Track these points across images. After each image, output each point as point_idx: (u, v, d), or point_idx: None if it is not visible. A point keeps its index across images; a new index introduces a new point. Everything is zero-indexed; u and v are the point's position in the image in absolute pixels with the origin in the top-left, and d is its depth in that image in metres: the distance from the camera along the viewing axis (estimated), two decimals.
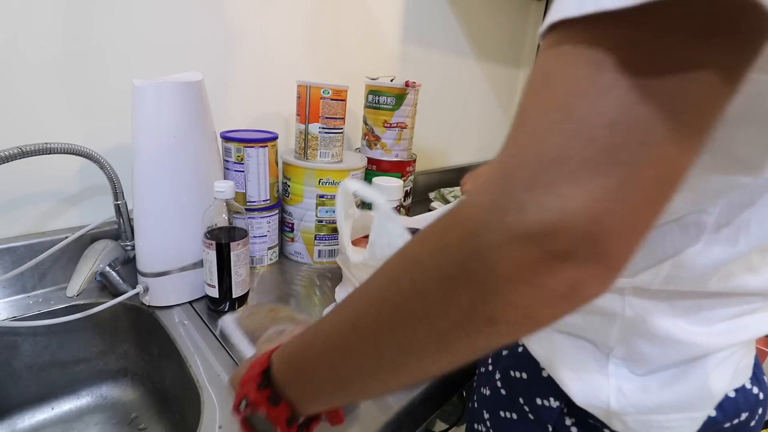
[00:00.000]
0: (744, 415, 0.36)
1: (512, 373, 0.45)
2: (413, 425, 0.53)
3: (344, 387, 0.29)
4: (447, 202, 1.10)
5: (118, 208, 0.65)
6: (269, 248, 0.78)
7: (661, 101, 0.17)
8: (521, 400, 0.43)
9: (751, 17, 0.16)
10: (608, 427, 0.37)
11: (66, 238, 0.64)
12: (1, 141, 0.59)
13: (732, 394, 0.36)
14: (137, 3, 0.66)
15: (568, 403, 0.39)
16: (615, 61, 0.17)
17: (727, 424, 0.36)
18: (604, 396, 0.35)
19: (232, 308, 0.64)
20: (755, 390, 0.37)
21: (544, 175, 0.18)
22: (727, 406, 0.35)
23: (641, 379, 0.35)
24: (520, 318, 0.20)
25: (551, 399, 0.40)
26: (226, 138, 0.70)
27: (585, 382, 0.36)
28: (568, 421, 0.40)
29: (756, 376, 0.37)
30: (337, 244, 0.81)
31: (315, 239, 0.80)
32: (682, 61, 0.17)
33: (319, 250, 0.81)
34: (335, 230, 0.80)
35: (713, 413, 0.35)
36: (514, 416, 0.45)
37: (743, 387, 0.36)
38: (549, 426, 0.41)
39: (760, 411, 0.38)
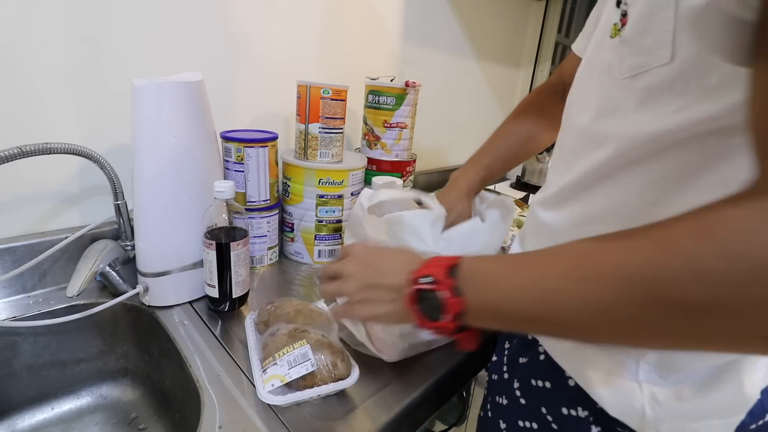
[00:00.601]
0: None
1: (534, 381, 0.44)
2: (413, 425, 0.53)
3: (530, 324, 0.30)
4: None
5: (118, 208, 0.65)
6: (269, 248, 0.78)
7: None
8: (544, 410, 0.42)
9: None
10: None
11: (66, 238, 0.64)
12: (1, 141, 0.59)
13: (758, 396, 0.35)
14: (137, 3, 0.66)
15: (596, 412, 0.38)
16: None
17: (753, 426, 0.35)
18: (638, 404, 0.34)
19: (232, 308, 0.64)
20: None
21: None
22: (754, 408, 0.35)
23: (674, 385, 0.34)
24: None
25: (579, 408, 0.39)
26: (226, 138, 0.70)
27: (617, 391, 0.35)
28: (594, 430, 0.39)
29: None
30: (337, 245, 0.81)
31: (315, 239, 0.80)
32: None
33: (319, 250, 0.81)
34: (335, 230, 0.80)
35: (743, 417, 0.34)
36: (535, 426, 0.43)
37: (767, 388, 0.35)
38: None
39: None
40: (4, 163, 0.50)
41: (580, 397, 0.38)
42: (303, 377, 0.48)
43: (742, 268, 0.21)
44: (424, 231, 0.55)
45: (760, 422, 0.35)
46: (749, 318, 0.21)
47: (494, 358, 0.51)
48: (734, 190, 0.28)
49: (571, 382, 0.40)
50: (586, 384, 0.37)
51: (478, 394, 0.77)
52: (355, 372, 0.51)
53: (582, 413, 0.39)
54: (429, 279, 0.34)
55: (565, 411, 0.41)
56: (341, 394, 0.51)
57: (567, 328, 0.28)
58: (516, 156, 0.68)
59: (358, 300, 0.39)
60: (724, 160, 0.29)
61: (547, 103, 0.64)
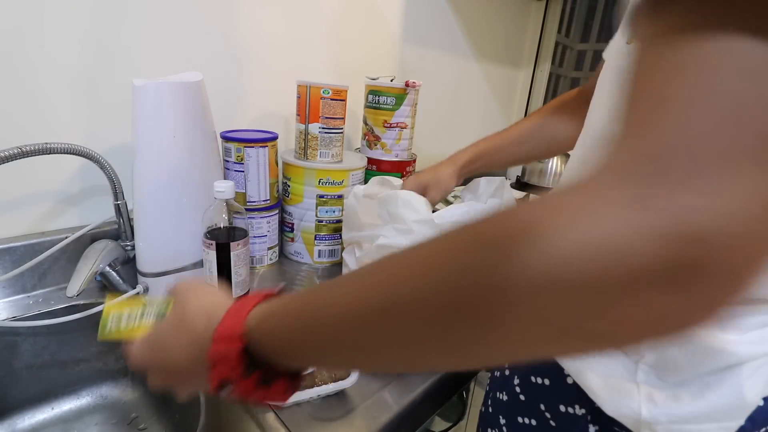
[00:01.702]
0: None
1: (533, 378, 0.44)
2: (413, 425, 0.53)
3: (329, 360, 0.26)
4: (449, 203, 1.10)
5: (118, 208, 0.65)
6: (269, 248, 0.78)
7: None
8: (542, 407, 0.43)
9: None
10: None
11: (66, 238, 0.64)
12: (1, 141, 0.59)
13: (761, 403, 0.34)
14: (137, 3, 0.66)
15: (593, 411, 0.38)
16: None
17: None
18: (635, 405, 0.34)
19: None
20: None
21: (686, 169, 0.15)
22: (756, 415, 0.34)
23: (672, 387, 0.34)
24: (617, 334, 0.17)
25: (576, 406, 0.40)
26: (226, 138, 0.70)
27: (614, 391, 0.35)
28: (591, 429, 0.39)
29: None
30: (337, 245, 0.81)
31: (315, 239, 0.80)
32: None
33: (319, 250, 0.81)
34: (335, 230, 0.80)
35: (743, 422, 0.34)
36: (533, 422, 0.44)
37: None
38: None
39: None
40: (4, 163, 0.50)
41: (578, 395, 0.39)
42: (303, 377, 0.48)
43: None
44: (418, 204, 0.56)
45: (762, 430, 0.35)
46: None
47: None
48: None
49: (569, 380, 0.40)
50: (584, 382, 0.38)
51: (478, 394, 0.77)
52: (355, 372, 0.51)
53: (579, 411, 0.39)
54: (228, 389, 0.29)
55: (563, 408, 0.41)
56: (341, 394, 0.51)
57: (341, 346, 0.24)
58: (522, 143, 0.69)
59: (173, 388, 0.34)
60: None
61: (575, 105, 0.65)
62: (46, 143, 0.54)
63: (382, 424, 0.47)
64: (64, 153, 0.56)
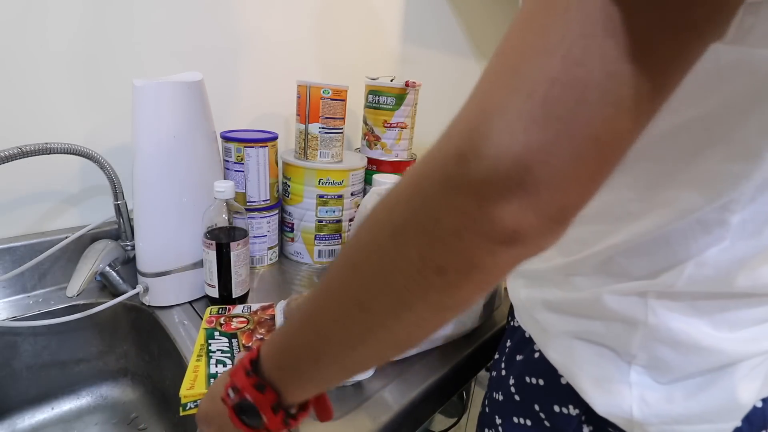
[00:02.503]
0: None
1: (528, 379, 0.44)
2: (413, 425, 0.53)
3: (322, 363, 0.29)
4: None
5: (118, 208, 0.65)
6: (269, 248, 0.78)
7: (602, 63, 0.18)
8: (537, 407, 0.42)
9: None
10: None
11: (66, 238, 0.64)
12: (1, 141, 0.59)
13: (759, 404, 0.34)
14: (137, 3, 0.66)
15: (586, 411, 0.38)
16: (563, 20, 0.18)
17: None
18: (626, 405, 0.34)
19: None
20: None
21: (482, 127, 0.19)
22: (753, 417, 0.34)
23: (665, 387, 0.33)
24: (466, 267, 0.21)
25: (570, 407, 0.39)
26: (226, 138, 0.70)
27: (606, 391, 0.35)
28: (585, 429, 0.39)
29: None
30: (338, 245, 0.81)
31: (315, 239, 0.80)
32: (630, 25, 0.17)
33: (319, 250, 0.81)
34: (335, 230, 0.80)
35: (739, 424, 0.33)
36: (528, 423, 0.43)
37: None
38: None
39: None
40: (4, 163, 0.50)
41: (572, 395, 0.38)
42: None
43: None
44: None
45: None
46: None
47: (496, 356, 0.51)
48: (713, 183, 0.28)
49: (563, 381, 0.40)
50: (576, 383, 0.37)
51: (478, 394, 0.77)
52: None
53: (573, 411, 0.39)
54: (233, 390, 0.33)
55: (557, 408, 0.41)
56: (341, 394, 0.51)
57: (342, 347, 0.28)
58: None
59: None
60: (700, 154, 0.28)
61: None
62: (46, 143, 0.54)
63: (382, 424, 0.47)
64: (64, 153, 0.56)
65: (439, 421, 0.78)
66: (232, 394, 0.33)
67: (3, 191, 0.62)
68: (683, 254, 0.30)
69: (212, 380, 0.47)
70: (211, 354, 0.52)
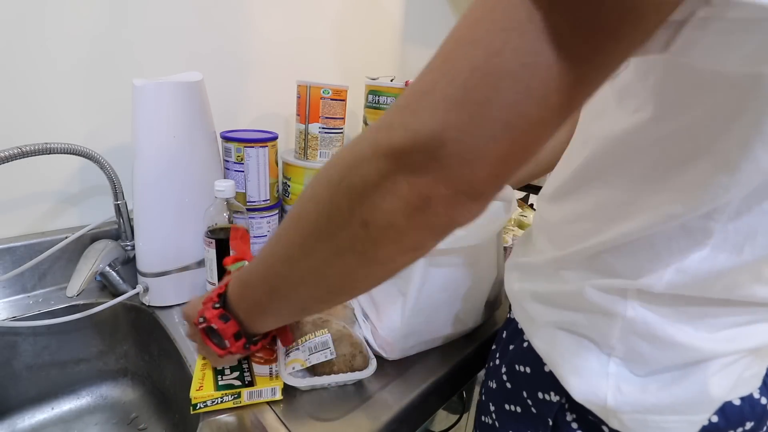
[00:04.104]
0: (749, 425, 0.36)
1: (517, 367, 0.45)
2: (413, 425, 0.53)
3: (275, 298, 0.34)
4: None
5: (118, 208, 0.65)
6: None
7: (517, 55, 0.19)
8: (525, 394, 0.44)
9: None
10: (607, 425, 0.37)
11: (66, 238, 0.64)
12: (1, 141, 0.59)
13: (737, 402, 0.35)
14: (137, 3, 0.66)
15: (568, 399, 0.39)
16: (490, 14, 0.20)
17: None
18: (602, 393, 0.35)
19: None
20: (764, 401, 0.36)
21: (412, 104, 0.22)
22: (730, 413, 0.35)
23: (641, 379, 0.35)
24: (386, 223, 0.24)
25: (552, 393, 0.41)
26: (226, 138, 0.70)
27: (585, 379, 0.36)
28: (568, 417, 0.40)
29: (767, 387, 0.37)
30: None
31: None
32: (547, 22, 0.19)
33: None
34: None
35: (714, 419, 0.35)
36: (518, 409, 0.45)
37: (750, 396, 0.36)
38: (549, 420, 0.41)
39: None
40: (4, 163, 0.50)
41: (554, 383, 0.40)
42: (322, 364, 0.50)
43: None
44: None
45: (739, 429, 0.35)
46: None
47: (493, 347, 0.53)
48: (697, 192, 0.29)
49: (546, 369, 0.41)
50: (557, 370, 0.39)
51: (478, 394, 0.77)
52: (372, 364, 0.52)
53: (554, 398, 0.41)
54: (202, 319, 0.39)
55: (540, 395, 0.42)
56: (341, 393, 0.51)
57: (291, 284, 0.32)
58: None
59: (205, 353, 0.47)
60: (686, 163, 0.29)
61: None
62: (46, 143, 0.54)
63: (382, 424, 0.47)
64: (64, 153, 0.56)
65: (439, 421, 0.78)
66: (201, 321, 0.39)
67: (3, 191, 0.62)
68: (666, 259, 0.31)
69: (220, 377, 0.48)
70: None
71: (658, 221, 0.31)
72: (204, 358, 0.51)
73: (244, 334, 0.39)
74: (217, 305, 0.38)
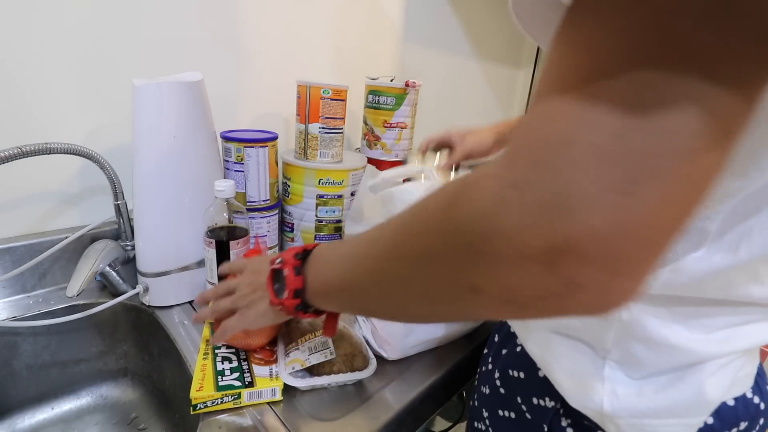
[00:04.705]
0: (743, 425, 0.36)
1: (510, 372, 0.45)
2: (413, 425, 0.53)
3: (347, 296, 0.33)
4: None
5: (118, 208, 0.65)
6: (269, 248, 0.78)
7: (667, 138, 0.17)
8: (519, 399, 0.44)
9: None
10: (602, 430, 0.37)
11: (66, 238, 0.64)
12: (1, 141, 0.59)
13: (731, 403, 0.35)
14: (137, 3, 0.66)
15: (563, 404, 0.39)
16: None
17: None
18: (597, 398, 0.35)
19: None
20: (756, 399, 0.36)
21: (550, 157, 0.18)
22: (725, 414, 0.35)
23: (636, 383, 0.34)
24: (503, 298, 0.21)
25: (547, 399, 0.41)
26: (226, 138, 0.70)
27: (579, 384, 0.36)
28: (564, 422, 0.40)
29: (758, 386, 0.37)
30: None
31: (315, 239, 0.80)
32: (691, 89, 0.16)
33: None
34: (336, 230, 0.80)
35: (710, 420, 0.35)
36: (512, 415, 0.45)
37: (743, 396, 0.36)
38: (544, 426, 0.41)
39: (761, 421, 0.37)
40: (4, 163, 0.50)
41: (549, 388, 0.39)
42: (322, 364, 0.50)
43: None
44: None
45: (734, 430, 0.35)
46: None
47: (485, 351, 0.52)
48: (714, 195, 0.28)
49: (541, 374, 0.41)
50: (552, 375, 0.38)
51: None
52: (372, 364, 0.52)
53: (549, 404, 0.40)
54: (279, 260, 0.39)
55: (535, 401, 0.42)
56: (341, 393, 0.51)
57: (370, 296, 0.31)
58: None
59: (244, 305, 0.43)
60: None
61: None
62: (46, 143, 0.54)
63: (382, 424, 0.47)
64: (64, 153, 0.56)
65: (440, 421, 0.78)
66: (279, 261, 0.39)
67: (3, 191, 0.62)
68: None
69: (220, 377, 0.48)
70: (217, 351, 0.52)
71: None
72: (205, 357, 0.51)
73: (303, 297, 0.38)
74: (299, 256, 0.38)
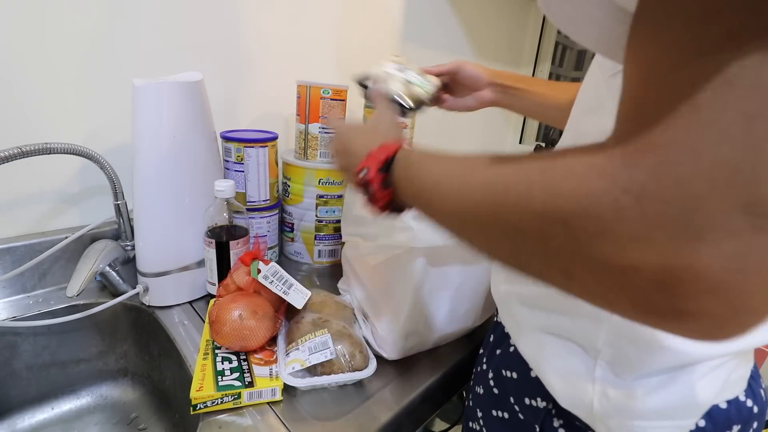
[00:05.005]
0: (736, 428, 0.36)
1: (504, 372, 0.45)
2: (413, 425, 0.53)
3: (430, 209, 0.31)
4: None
5: (118, 208, 0.65)
6: (269, 248, 0.78)
7: None
8: (512, 400, 0.44)
9: None
10: (593, 431, 0.36)
11: (66, 238, 0.64)
12: (1, 141, 0.59)
13: (723, 405, 0.35)
14: (137, 3, 0.66)
15: (555, 405, 0.39)
16: None
17: None
18: (587, 398, 0.35)
19: None
20: (749, 403, 0.36)
21: (674, 157, 0.16)
22: (717, 417, 0.35)
23: (628, 384, 0.34)
24: (600, 295, 0.20)
25: (538, 399, 0.41)
26: (226, 138, 0.70)
27: (570, 384, 0.36)
28: (556, 423, 0.40)
29: (752, 389, 0.37)
30: (338, 245, 0.81)
31: (315, 239, 0.80)
32: None
33: (319, 250, 0.81)
34: (335, 230, 0.80)
35: (702, 423, 0.34)
36: (506, 415, 0.45)
37: (736, 399, 0.36)
38: (536, 426, 0.41)
39: (754, 425, 0.37)
40: (4, 163, 0.50)
41: (540, 388, 0.39)
42: (322, 364, 0.50)
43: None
44: None
45: None
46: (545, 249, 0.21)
47: (480, 351, 0.52)
48: None
49: (532, 374, 0.41)
50: (543, 376, 0.38)
51: None
52: (372, 364, 0.52)
53: (540, 404, 0.40)
54: (364, 172, 0.37)
55: (527, 401, 0.42)
56: (341, 393, 0.51)
57: (451, 219, 0.29)
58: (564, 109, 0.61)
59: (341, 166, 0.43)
60: None
61: None
62: (46, 143, 0.54)
63: (382, 424, 0.47)
64: (64, 153, 0.56)
65: (440, 422, 0.78)
66: (363, 173, 0.37)
67: (3, 191, 0.62)
68: None
69: (220, 377, 0.48)
70: (217, 351, 0.52)
71: None
72: (205, 356, 0.51)
73: (394, 204, 0.37)
74: (384, 170, 0.36)
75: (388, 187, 0.36)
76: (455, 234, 0.29)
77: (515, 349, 0.43)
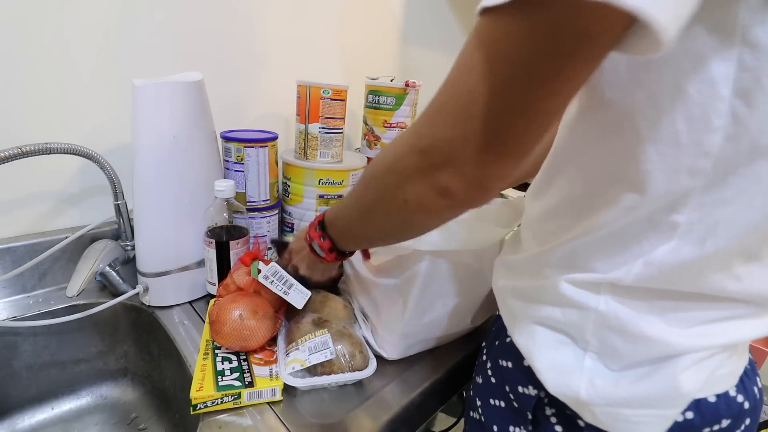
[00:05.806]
0: (725, 422, 0.36)
1: (500, 361, 0.46)
2: (413, 425, 0.53)
3: (352, 233, 0.46)
4: None
5: (118, 208, 0.65)
6: (269, 248, 0.78)
7: (500, 80, 0.26)
8: (507, 388, 0.45)
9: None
10: (582, 418, 0.37)
11: (66, 238, 0.64)
12: (1, 141, 0.59)
13: (712, 399, 0.35)
14: (137, 3, 0.66)
15: (547, 393, 0.40)
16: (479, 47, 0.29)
17: (707, 429, 0.36)
18: (574, 386, 0.36)
19: None
20: (740, 398, 0.36)
21: (432, 118, 0.30)
22: (705, 410, 0.35)
23: (615, 374, 0.35)
24: (418, 203, 0.33)
25: (530, 387, 0.42)
26: (226, 138, 0.70)
27: (559, 373, 0.37)
28: (548, 411, 0.41)
29: (743, 385, 0.37)
30: None
31: None
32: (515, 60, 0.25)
33: None
34: None
35: (690, 415, 0.35)
36: (502, 404, 0.46)
37: (726, 393, 0.36)
38: (528, 414, 0.42)
39: (747, 421, 0.37)
40: (4, 163, 0.50)
41: (533, 377, 0.40)
42: (322, 364, 0.50)
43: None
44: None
45: (716, 427, 0.36)
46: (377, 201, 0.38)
47: (483, 344, 0.53)
48: (650, 181, 0.30)
49: (526, 363, 0.42)
50: (533, 364, 0.39)
51: None
52: (372, 364, 0.52)
53: (532, 392, 0.41)
54: (309, 237, 0.51)
55: (520, 389, 0.43)
56: (341, 393, 0.51)
57: (358, 223, 0.43)
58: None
59: (305, 267, 0.58)
60: (638, 153, 0.30)
61: None
62: (46, 143, 0.54)
63: (382, 424, 0.47)
64: (64, 153, 0.56)
65: (440, 421, 0.78)
66: (309, 237, 0.51)
67: (3, 191, 0.62)
68: (636, 251, 0.32)
69: (220, 377, 0.48)
70: (217, 351, 0.52)
71: (620, 214, 0.32)
72: (205, 357, 0.51)
73: (337, 249, 0.49)
74: (318, 228, 0.49)
75: (326, 238, 0.49)
76: (363, 231, 0.43)
77: (511, 339, 0.45)
